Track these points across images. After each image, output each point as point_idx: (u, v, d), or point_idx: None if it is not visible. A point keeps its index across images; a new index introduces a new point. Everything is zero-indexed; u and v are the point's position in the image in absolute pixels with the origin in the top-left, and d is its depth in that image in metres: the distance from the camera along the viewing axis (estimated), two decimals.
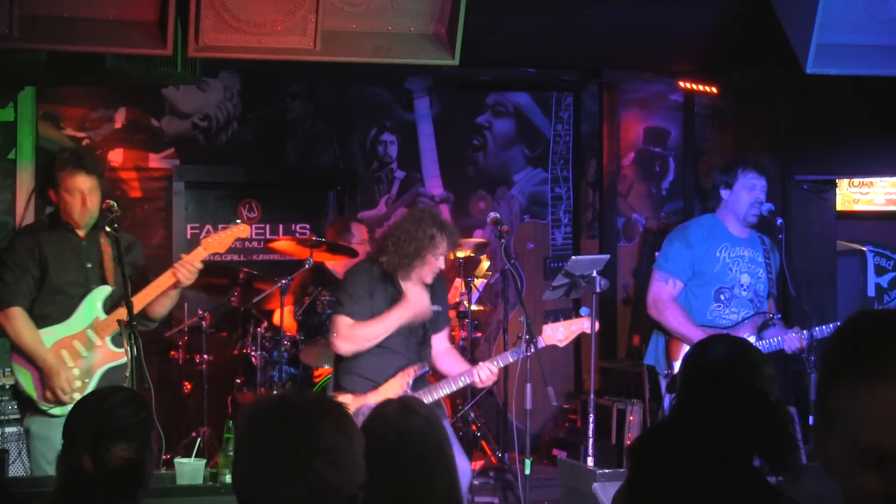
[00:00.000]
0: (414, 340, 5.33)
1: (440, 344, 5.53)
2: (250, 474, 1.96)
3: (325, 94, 8.26)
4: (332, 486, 1.91)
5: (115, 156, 7.75)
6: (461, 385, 5.35)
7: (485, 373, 5.27)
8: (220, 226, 8.03)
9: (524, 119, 8.76)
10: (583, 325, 5.47)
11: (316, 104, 8.25)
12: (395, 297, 5.29)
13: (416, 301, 5.19)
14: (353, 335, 5.19)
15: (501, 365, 5.48)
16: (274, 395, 2.12)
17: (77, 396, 4.93)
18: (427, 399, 5.19)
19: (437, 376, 5.43)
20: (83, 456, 2.84)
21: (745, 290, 5.64)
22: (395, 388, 5.19)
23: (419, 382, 5.32)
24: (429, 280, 5.33)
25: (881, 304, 8.29)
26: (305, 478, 1.90)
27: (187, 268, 5.03)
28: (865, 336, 1.36)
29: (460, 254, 6.75)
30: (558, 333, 5.45)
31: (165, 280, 5.04)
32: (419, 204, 5.48)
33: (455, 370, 5.38)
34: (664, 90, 8.71)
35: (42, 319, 4.99)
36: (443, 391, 5.32)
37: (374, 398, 5.03)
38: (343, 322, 5.21)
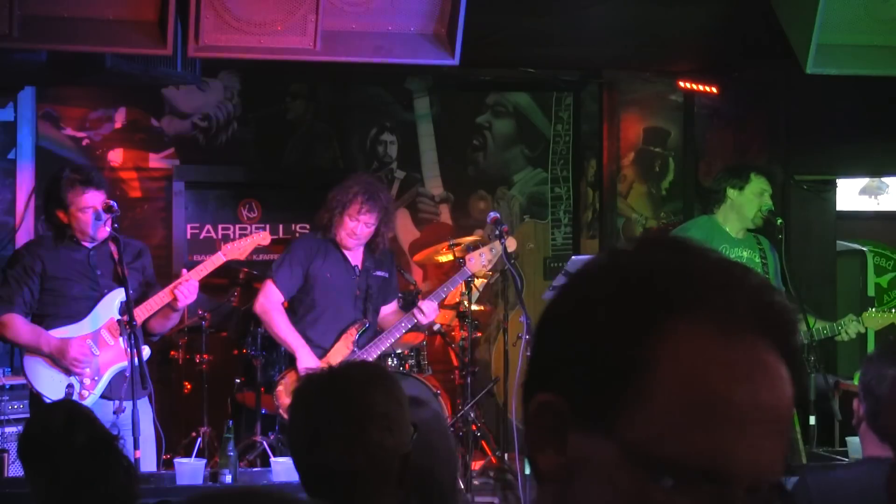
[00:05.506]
0: (358, 303, 5.58)
1: (388, 309, 5.82)
2: (308, 447, 2.03)
3: (325, 94, 8.26)
4: (388, 449, 1.99)
5: (115, 156, 7.74)
6: (406, 328, 5.59)
7: (427, 307, 5.53)
8: (220, 227, 8.05)
9: (524, 119, 8.75)
10: (503, 246, 5.73)
11: (316, 104, 8.24)
12: (340, 261, 5.52)
13: (304, 360, 5.43)
14: (268, 314, 5.50)
15: (443, 296, 5.74)
16: (323, 370, 2.20)
17: (86, 394, 4.94)
18: (377, 350, 5.44)
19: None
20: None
21: None
22: (341, 350, 5.52)
23: (364, 338, 5.58)
24: (349, 245, 5.50)
25: (881, 304, 8.28)
26: (363, 446, 1.98)
27: (188, 286, 5.04)
28: None
29: (459, 255, 6.75)
30: (483, 259, 5.70)
31: (164, 297, 5.04)
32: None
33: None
34: (664, 90, 8.70)
35: (54, 320, 4.99)
36: (390, 339, 5.59)
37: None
38: (270, 292, 5.53)
